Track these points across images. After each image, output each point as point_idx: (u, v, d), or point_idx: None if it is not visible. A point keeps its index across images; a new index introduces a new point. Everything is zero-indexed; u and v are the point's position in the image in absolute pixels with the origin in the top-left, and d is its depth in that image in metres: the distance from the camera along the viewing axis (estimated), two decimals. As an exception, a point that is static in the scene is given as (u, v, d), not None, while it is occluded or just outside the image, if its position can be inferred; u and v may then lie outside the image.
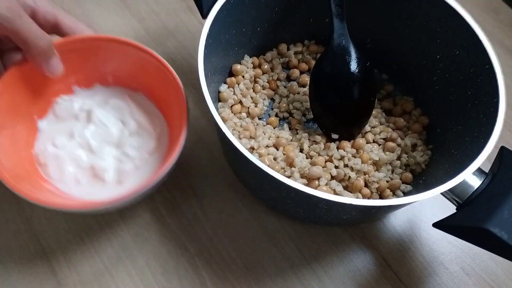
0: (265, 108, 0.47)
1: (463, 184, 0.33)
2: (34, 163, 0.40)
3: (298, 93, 0.48)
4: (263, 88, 0.48)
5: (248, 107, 0.46)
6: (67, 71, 0.40)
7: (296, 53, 0.51)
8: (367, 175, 0.42)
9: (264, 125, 0.46)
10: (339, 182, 0.41)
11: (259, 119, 0.46)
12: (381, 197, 0.42)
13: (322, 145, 0.43)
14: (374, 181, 0.41)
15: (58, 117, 0.42)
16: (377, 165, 0.43)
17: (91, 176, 0.40)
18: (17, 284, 0.39)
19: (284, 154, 0.42)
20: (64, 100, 0.42)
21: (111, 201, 0.34)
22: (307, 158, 0.42)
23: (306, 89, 0.48)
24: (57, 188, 0.39)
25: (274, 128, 0.46)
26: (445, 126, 0.43)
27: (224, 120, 0.43)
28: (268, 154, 0.41)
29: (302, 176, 0.40)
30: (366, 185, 0.42)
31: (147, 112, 0.43)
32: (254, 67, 0.49)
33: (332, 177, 0.41)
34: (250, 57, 0.48)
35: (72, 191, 0.39)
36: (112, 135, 0.41)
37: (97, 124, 0.41)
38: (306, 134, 0.44)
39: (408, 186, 0.42)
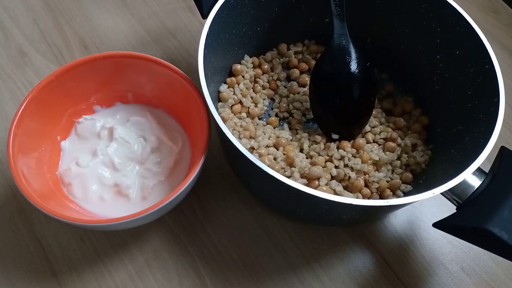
0: (265, 108, 0.47)
1: (463, 184, 0.33)
2: (59, 183, 0.40)
3: (298, 93, 0.48)
4: (263, 88, 0.48)
5: (248, 107, 0.46)
6: (88, 91, 0.41)
7: (296, 53, 0.51)
8: (367, 175, 0.42)
9: (264, 125, 0.45)
10: (339, 182, 0.41)
11: (259, 119, 0.46)
12: (381, 197, 0.42)
13: (322, 145, 0.43)
14: (374, 181, 0.41)
15: (80, 137, 0.43)
16: (377, 165, 0.43)
17: (115, 193, 0.40)
18: (17, 284, 0.39)
19: (284, 154, 0.42)
20: (85, 120, 0.43)
21: (135, 216, 0.34)
22: (307, 158, 0.42)
23: (306, 89, 0.48)
24: (82, 207, 0.39)
25: (274, 128, 0.46)
26: (445, 126, 0.43)
27: (224, 120, 0.43)
28: (268, 154, 0.41)
29: (302, 176, 0.40)
30: (366, 185, 0.41)
31: (168, 127, 0.43)
32: (254, 67, 0.48)
33: (332, 177, 0.41)
34: (250, 57, 0.48)
35: (97, 210, 0.39)
36: (134, 152, 0.42)
37: (119, 141, 0.42)
38: (306, 134, 0.44)
39: (408, 186, 0.41)
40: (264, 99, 0.47)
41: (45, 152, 0.40)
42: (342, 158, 0.42)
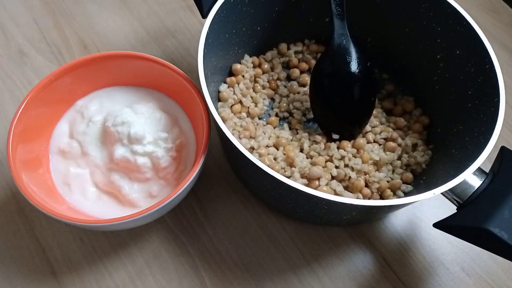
0: (265, 108, 0.47)
1: (464, 184, 0.33)
2: (56, 185, 0.40)
3: (298, 93, 0.48)
4: (263, 87, 0.48)
5: (248, 107, 0.46)
6: (88, 91, 0.42)
7: (296, 52, 0.51)
8: (367, 175, 0.42)
9: (264, 125, 0.45)
10: (340, 182, 0.41)
11: (259, 119, 0.46)
12: (382, 197, 0.41)
13: (322, 145, 0.43)
14: (374, 181, 0.41)
15: None
16: (377, 165, 0.43)
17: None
18: (17, 284, 0.39)
19: (284, 154, 0.42)
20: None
21: (135, 216, 0.34)
22: (307, 158, 0.42)
23: (307, 88, 0.48)
24: (81, 207, 0.39)
25: (274, 128, 0.46)
26: (446, 126, 0.43)
27: (224, 120, 0.43)
28: (268, 154, 0.41)
29: (302, 176, 0.40)
30: (366, 185, 0.41)
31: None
32: (254, 67, 0.48)
33: (333, 177, 0.41)
34: (250, 57, 0.48)
35: (96, 210, 0.39)
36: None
37: None
38: (306, 134, 0.44)
39: (409, 186, 0.41)
40: (264, 99, 0.47)
41: (45, 152, 0.40)
42: (342, 158, 0.42)
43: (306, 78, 0.49)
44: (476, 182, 0.33)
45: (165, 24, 0.56)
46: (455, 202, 0.34)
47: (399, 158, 0.44)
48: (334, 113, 0.43)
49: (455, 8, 0.40)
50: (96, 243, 0.41)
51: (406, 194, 0.41)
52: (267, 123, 0.46)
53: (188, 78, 0.40)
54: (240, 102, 0.46)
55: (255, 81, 0.48)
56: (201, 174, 0.38)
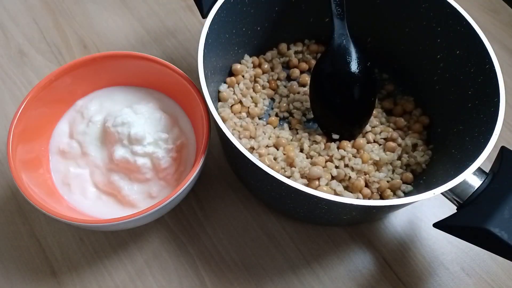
0: (265, 108, 0.47)
1: (464, 184, 0.33)
2: (58, 183, 0.40)
3: (298, 93, 0.48)
4: (263, 87, 0.48)
5: (248, 107, 0.46)
6: (88, 91, 0.41)
7: (296, 52, 0.51)
8: (367, 175, 0.42)
9: (264, 125, 0.45)
10: (340, 182, 0.41)
11: (259, 119, 0.46)
12: (382, 197, 0.41)
13: (322, 145, 0.43)
14: (374, 181, 0.41)
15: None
16: (377, 165, 0.43)
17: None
18: (17, 284, 0.39)
19: (284, 154, 0.42)
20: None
21: (135, 216, 0.34)
22: (307, 158, 0.42)
23: (307, 88, 0.48)
24: (80, 207, 0.39)
25: (274, 128, 0.46)
26: (446, 126, 0.43)
27: (224, 120, 0.42)
28: (268, 154, 0.41)
29: (302, 176, 0.40)
30: (366, 185, 0.41)
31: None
32: (254, 67, 0.48)
33: (333, 177, 0.41)
34: (250, 57, 0.48)
35: (95, 210, 0.39)
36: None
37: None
38: (306, 134, 0.44)
39: (409, 186, 0.41)
40: (264, 99, 0.47)
41: (45, 152, 0.40)
42: (342, 158, 0.42)
43: (306, 78, 0.49)
44: (476, 182, 0.33)
45: (165, 24, 0.56)
46: (455, 202, 0.34)
47: (399, 158, 0.44)
48: (334, 113, 0.43)
49: (455, 8, 0.40)
50: (96, 243, 0.41)
51: (406, 194, 0.41)
52: (267, 123, 0.46)
53: (188, 78, 0.40)
54: (240, 102, 0.46)
55: (255, 81, 0.48)
56: (201, 174, 0.38)
